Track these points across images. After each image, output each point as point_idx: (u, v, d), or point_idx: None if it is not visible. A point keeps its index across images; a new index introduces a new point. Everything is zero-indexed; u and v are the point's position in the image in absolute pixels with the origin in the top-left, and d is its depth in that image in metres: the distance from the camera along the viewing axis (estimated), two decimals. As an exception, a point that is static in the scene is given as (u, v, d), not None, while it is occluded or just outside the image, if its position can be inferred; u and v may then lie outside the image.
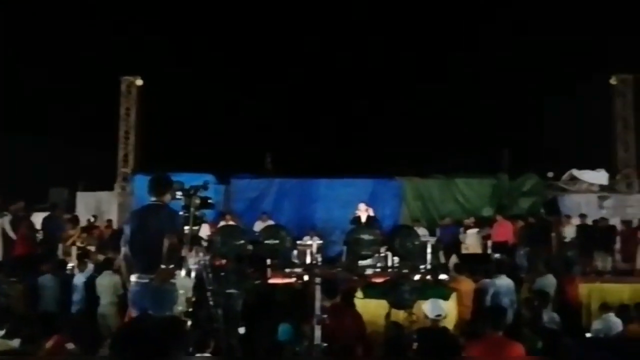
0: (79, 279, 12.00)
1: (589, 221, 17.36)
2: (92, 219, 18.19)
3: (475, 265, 13.42)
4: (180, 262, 6.65)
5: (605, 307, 10.15)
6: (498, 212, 18.20)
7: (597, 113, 20.62)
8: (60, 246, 15.24)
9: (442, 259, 16.96)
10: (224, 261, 12.44)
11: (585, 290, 12.90)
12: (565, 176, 20.29)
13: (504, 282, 11.13)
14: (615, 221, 17.91)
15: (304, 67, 22.53)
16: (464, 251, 17.15)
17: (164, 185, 6.60)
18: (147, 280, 6.23)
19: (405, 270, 12.88)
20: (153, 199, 6.51)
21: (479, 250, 17.03)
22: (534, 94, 21.20)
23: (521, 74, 21.34)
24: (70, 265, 14.04)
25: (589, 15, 20.52)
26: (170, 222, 6.25)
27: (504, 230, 16.97)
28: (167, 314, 6.18)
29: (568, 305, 11.82)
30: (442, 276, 12.69)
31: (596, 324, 9.93)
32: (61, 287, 11.82)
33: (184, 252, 6.68)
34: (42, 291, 11.80)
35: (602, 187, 19.97)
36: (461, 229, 17.83)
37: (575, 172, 20.11)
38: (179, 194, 6.80)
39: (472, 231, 17.54)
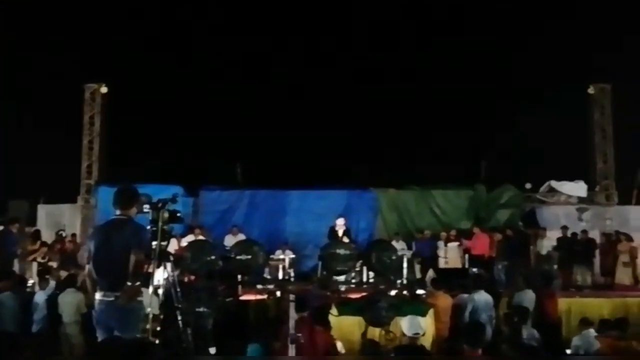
0: (40, 297, 11.79)
1: (569, 233, 17.52)
2: (64, 234, 17.85)
3: (452, 280, 13.46)
4: (148, 279, 6.55)
5: (585, 323, 10.23)
6: (475, 225, 18.34)
7: (576, 123, 20.90)
8: (17, 262, 14.96)
9: (419, 274, 17.06)
10: (193, 278, 12.41)
11: (565, 305, 13.03)
12: (544, 188, 20.48)
13: (482, 297, 11.20)
14: (594, 234, 18.12)
15: (274, 74, 22.51)
16: (444, 265, 17.27)
17: (130, 198, 6.52)
18: (112, 299, 6.14)
19: (382, 286, 12.93)
20: (118, 212, 6.43)
21: (459, 265, 17.12)
22: (511, 103, 21.37)
23: (499, 83, 21.53)
24: (30, 282, 13.82)
25: (567, 24, 20.79)
26: (135, 237, 6.17)
27: (482, 244, 17.08)
28: (134, 336, 6.10)
29: (547, 320, 11.92)
30: (419, 291, 12.71)
31: (576, 340, 10.00)
32: (21, 306, 11.59)
33: (151, 269, 6.59)
34: (1, 310, 11.58)
35: (581, 199, 20.18)
36: (440, 242, 17.91)
37: (554, 183, 20.29)
38: (146, 207, 6.73)
39: (453, 244, 17.64)
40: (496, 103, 21.71)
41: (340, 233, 15.39)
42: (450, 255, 17.44)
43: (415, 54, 22.13)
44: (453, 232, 17.96)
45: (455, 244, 17.57)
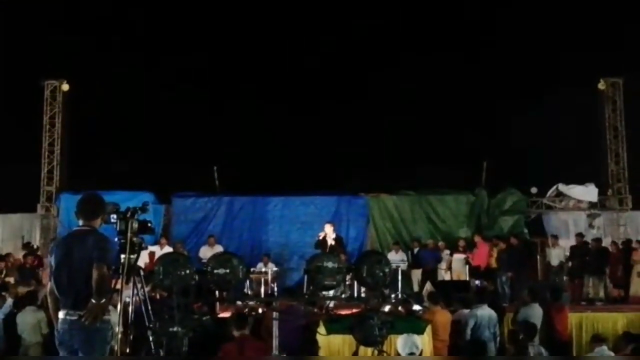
0: (-4, 316, 11.71)
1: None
2: (34, 245, 17.75)
3: (452, 294, 13.48)
4: (115, 296, 6.51)
5: (597, 339, 10.23)
6: (476, 233, 18.39)
7: (585, 121, 20.94)
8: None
9: (417, 287, 17.10)
10: (166, 294, 12.33)
11: (576, 320, 13.04)
12: (551, 192, 20.53)
13: (484, 312, 11.19)
14: (606, 242, 18.16)
15: (254, 70, 22.51)
16: (448, 278, 17.35)
17: (95, 207, 6.45)
18: (75, 318, 6.08)
19: (375, 301, 12.91)
20: (81, 223, 6.38)
21: (463, 277, 17.16)
22: (515, 100, 21.43)
23: (502, 78, 21.60)
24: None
25: (570, 14, 20.91)
26: (98, 249, 6.10)
27: (483, 253, 17.14)
28: (101, 358, 6.05)
29: (557, 337, 11.92)
30: (416, 307, 12.71)
31: (588, 359, 10.01)
32: (-26, 327, 11.51)
33: (119, 284, 6.55)
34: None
35: (592, 204, 20.24)
36: (444, 253, 17.98)
37: (562, 187, 20.34)
38: (113, 217, 6.67)
39: (460, 256, 17.67)
40: (498, 100, 21.77)
41: (329, 242, 15.31)
42: (456, 267, 17.45)
43: (406, 50, 22.24)
44: (462, 243, 17.93)
45: (462, 255, 17.59)
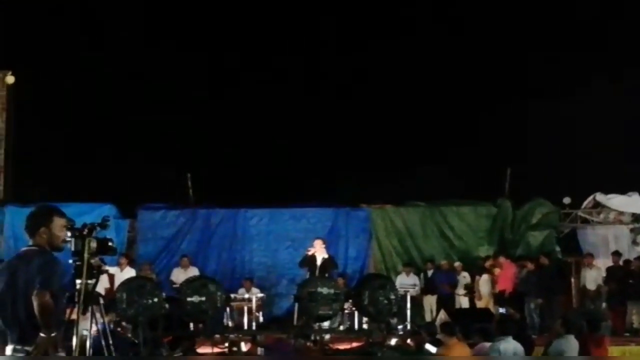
0: None
1: (621, 261, 17.55)
2: None
3: (470, 324, 13.45)
4: (70, 328, 6.46)
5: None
6: (499, 252, 18.35)
7: (628, 121, 20.93)
8: None
9: (429, 316, 17.10)
10: (131, 326, 12.31)
11: (618, 354, 13.02)
12: (587, 202, 20.48)
13: (509, 346, 11.13)
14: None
15: (234, 61, 22.60)
16: (467, 304, 17.34)
17: (36, 221, 6.35)
18: (22, 354, 6.04)
19: (379, 334, 12.89)
20: (31, 241, 6.34)
21: (490, 304, 17.11)
22: (544, 96, 21.47)
23: (528, 70, 21.68)
24: None
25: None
26: (40, 273, 6.02)
27: (508, 276, 17.09)
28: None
29: (595, 375, 11.90)
30: (430, 347, 12.68)
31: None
32: None
33: (75, 314, 6.51)
34: None
35: (636, 217, 20.24)
36: (461, 275, 17.97)
37: (600, 197, 20.29)
38: (67, 234, 6.65)
39: (486, 277, 17.62)
40: (523, 95, 21.83)
41: (318, 261, 15.26)
42: (483, 291, 17.42)
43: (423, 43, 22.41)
44: (490, 262, 17.87)
45: (487, 276, 17.55)
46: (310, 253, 15.40)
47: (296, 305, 13.46)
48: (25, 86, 21.24)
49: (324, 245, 15.57)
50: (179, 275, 16.18)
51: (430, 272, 18.28)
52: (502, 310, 15.95)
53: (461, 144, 21.87)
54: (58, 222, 6.30)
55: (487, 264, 17.79)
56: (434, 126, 22.09)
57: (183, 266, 17.00)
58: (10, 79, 21.17)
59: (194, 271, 16.71)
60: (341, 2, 23.08)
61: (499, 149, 21.17)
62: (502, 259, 17.55)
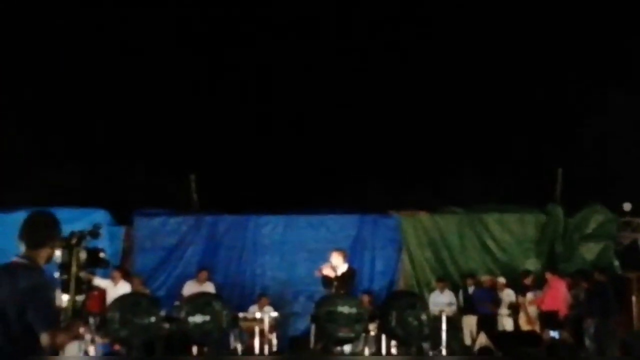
0: None
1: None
2: None
3: (515, 349, 13.38)
4: (56, 352, 6.40)
5: None
6: (549, 266, 18.22)
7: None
8: None
9: (469, 340, 17.00)
10: (125, 349, 12.27)
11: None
12: (651, 209, 20.42)
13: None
14: None
15: (244, 55, 22.69)
16: (522, 325, 17.19)
17: (43, 233, 6.27)
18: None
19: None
20: (22, 251, 6.24)
21: (536, 325, 17.00)
22: (599, 88, 21.40)
23: (583, 60, 21.62)
24: None
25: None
26: (34, 306, 5.89)
27: (557, 294, 16.94)
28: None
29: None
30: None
31: None
32: None
33: (60, 337, 6.45)
34: None
35: None
36: (504, 293, 17.82)
37: (665, 203, 20.24)
38: (53, 244, 6.58)
39: (532, 295, 17.46)
40: (576, 88, 21.76)
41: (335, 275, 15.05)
42: (531, 311, 17.29)
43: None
44: (530, 277, 17.71)
45: (532, 294, 17.39)
46: (324, 272, 14.99)
47: (313, 326, 13.37)
48: (7, 78, 21.37)
49: (340, 257, 15.26)
50: (193, 290, 16.04)
51: (470, 289, 18.15)
52: (553, 333, 15.81)
53: (505, 143, 21.78)
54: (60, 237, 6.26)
55: (527, 280, 17.68)
56: (474, 123, 22.04)
57: (200, 280, 16.88)
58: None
59: (210, 287, 16.66)
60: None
61: (548, 148, 21.06)
62: (548, 275, 17.43)
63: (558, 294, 16.95)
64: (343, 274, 14.90)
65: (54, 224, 6.13)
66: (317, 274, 15.13)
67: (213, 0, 23.16)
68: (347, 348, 14.11)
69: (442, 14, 23.16)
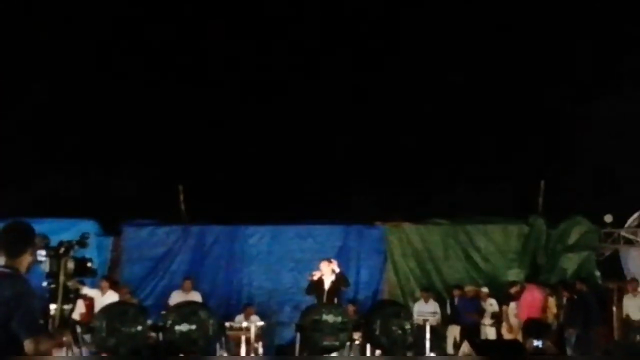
0: None
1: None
2: None
3: (497, 358, 13.40)
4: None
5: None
6: (532, 276, 18.28)
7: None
8: None
9: (451, 349, 17.03)
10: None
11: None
12: (632, 221, 20.40)
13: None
14: None
15: (232, 59, 22.67)
16: (505, 334, 17.29)
17: (22, 240, 6.31)
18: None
19: (393, 368, 12.80)
20: (2, 262, 6.26)
21: (519, 334, 17.03)
22: (580, 97, 21.46)
23: (563, 68, 21.66)
24: None
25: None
26: (18, 308, 5.92)
27: (533, 303, 16.94)
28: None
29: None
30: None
31: None
32: None
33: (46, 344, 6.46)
34: None
35: (686, 238, 20.19)
36: (487, 303, 17.92)
37: (646, 214, 20.30)
38: (41, 253, 6.59)
39: (516, 306, 17.47)
40: (557, 100, 21.81)
41: (326, 285, 15.14)
42: (514, 321, 17.35)
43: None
44: (516, 287, 17.70)
45: (516, 304, 17.40)
46: (315, 278, 15.24)
47: (298, 335, 13.41)
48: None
49: (331, 266, 15.38)
50: (180, 300, 16.04)
51: (457, 300, 18.19)
52: (537, 342, 15.84)
53: (490, 156, 21.82)
54: (38, 243, 6.28)
55: (513, 289, 17.71)
56: (457, 135, 22.04)
57: (185, 289, 16.97)
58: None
59: (196, 296, 16.69)
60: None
61: (531, 160, 21.10)
62: (526, 284, 17.46)
63: (535, 303, 17.00)
64: (333, 282, 15.03)
65: (30, 231, 6.20)
66: (309, 278, 15.21)
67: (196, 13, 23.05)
68: (332, 355, 14.15)
69: (425, 21, 23.11)
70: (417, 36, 22.95)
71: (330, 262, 15.57)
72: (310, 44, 22.79)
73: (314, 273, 15.34)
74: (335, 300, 14.86)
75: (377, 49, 23.12)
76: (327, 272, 15.22)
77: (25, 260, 6.07)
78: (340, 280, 15.31)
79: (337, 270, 15.25)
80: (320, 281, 15.17)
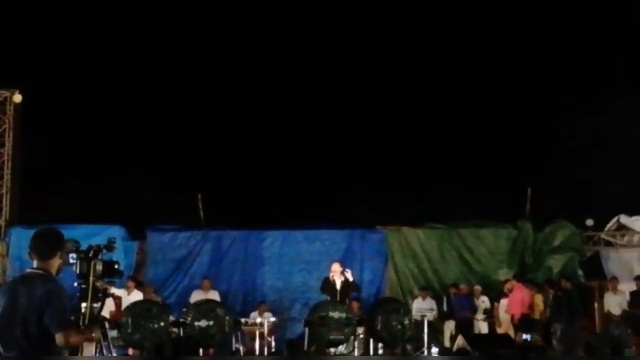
0: None
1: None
2: None
3: (489, 350, 13.42)
4: (74, 352, 6.48)
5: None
6: (520, 275, 18.29)
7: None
8: None
9: (448, 342, 17.04)
10: (138, 352, 12.32)
11: (642, 382, 12.98)
12: (611, 224, 20.38)
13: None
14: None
15: (245, 81, 22.67)
16: (486, 330, 17.34)
17: (52, 244, 6.36)
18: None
19: (393, 360, 12.85)
20: (35, 264, 6.34)
21: (510, 329, 17.04)
22: (566, 110, 21.41)
23: (549, 80, 21.63)
24: None
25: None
26: (52, 309, 5.97)
27: (518, 300, 16.96)
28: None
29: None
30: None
31: None
32: None
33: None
34: None
35: (662, 240, 20.17)
36: (480, 300, 17.99)
37: (625, 219, 20.18)
38: (72, 256, 6.67)
39: (506, 302, 17.51)
40: (544, 110, 21.76)
41: (338, 285, 15.16)
42: (504, 317, 17.39)
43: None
44: (510, 285, 17.69)
45: (506, 301, 17.43)
46: (335, 277, 15.18)
47: (307, 329, 13.45)
48: (32, 105, 21.37)
49: (341, 269, 15.45)
50: (199, 298, 16.08)
51: (455, 296, 18.22)
52: (526, 336, 15.86)
53: (480, 164, 21.79)
54: (68, 247, 6.37)
55: (507, 286, 17.71)
56: (452, 146, 22.05)
57: (204, 288, 17.06)
58: (17, 98, 21.14)
59: (214, 295, 16.74)
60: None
61: (519, 169, 21.09)
62: (514, 282, 17.48)
63: (523, 300, 17.02)
64: (344, 285, 15.05)
65: (59, 237, 6.28)
66: (332, 277, 15.21)
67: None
68: (338, 349, 14.20)
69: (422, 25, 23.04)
70: (414, 42, 22.91)
71: (341, 264, 15.61)
72: (312, 57, 22.69)
73: (330, 274, 15.35)
74: (346, 299, 14.92)
75: (374, 62, 23.04)
76: (337, 272, 15.23)
77: (56, 262, 6.16)
78: (352, 286, 15.34)
79: (351, 279, 15.25)
80: (333, 281, 15.22)
